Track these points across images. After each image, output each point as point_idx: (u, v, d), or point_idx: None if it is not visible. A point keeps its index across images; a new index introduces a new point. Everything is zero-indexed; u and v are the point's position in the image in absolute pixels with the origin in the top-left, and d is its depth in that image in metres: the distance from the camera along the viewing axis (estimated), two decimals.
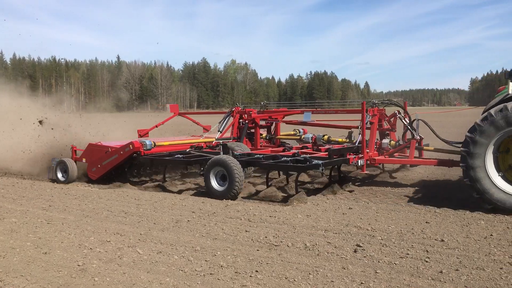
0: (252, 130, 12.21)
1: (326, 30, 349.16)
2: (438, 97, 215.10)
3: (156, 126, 13.05)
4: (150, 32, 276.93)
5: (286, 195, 8.83)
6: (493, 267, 4.75)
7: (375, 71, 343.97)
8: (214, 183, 8.85)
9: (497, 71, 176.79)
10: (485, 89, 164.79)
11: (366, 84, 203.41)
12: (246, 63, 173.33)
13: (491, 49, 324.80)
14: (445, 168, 10.22)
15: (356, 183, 10.26)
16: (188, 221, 7.02)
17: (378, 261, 5.02)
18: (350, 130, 11.15)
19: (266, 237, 6.05)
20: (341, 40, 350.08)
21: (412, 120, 10.17)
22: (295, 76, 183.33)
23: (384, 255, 5.24)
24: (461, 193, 8.76)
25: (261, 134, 12.48)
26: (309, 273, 4.71)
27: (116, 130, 15.43)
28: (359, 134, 10.00)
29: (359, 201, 8.38)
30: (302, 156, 9.07)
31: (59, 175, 11.09)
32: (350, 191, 9.35)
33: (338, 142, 11.30)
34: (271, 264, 5.02)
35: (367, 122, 9.77)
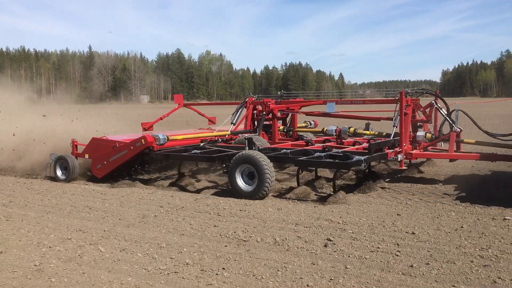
0: (268, 122, 11.45)
1: (301, 21, 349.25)
2: (411, 88, 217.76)
3: (161, 119, 12.28)
4: (122, 22, 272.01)
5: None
6: (463, 260, 4.68)
7: (350, 63, 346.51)
8: (240, 182, 7.96)
9: (467, 63, 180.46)
10: (456, 80, 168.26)
11: (341, 76, 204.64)
12: (221, 54, 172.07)
13: (462, 41, 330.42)
14: (477, 162, 9.82)
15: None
16: (155, 216, 6.78)
17: (349, 256, 4.91)
18: (367, 122, 10.57)
19: (235, 232, 5.87)
20: (316, 31, 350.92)
21: (451, 110, 9.35)
22: (270, 68, 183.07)
23: (355, 249, 5.13)
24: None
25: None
26: (278, 270, 4.55)
27: (106, 123, 14.51)
28: (394, 126, 9.26)
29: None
30: (341, 151, 8.26)
31: (59, 172, 10.04)
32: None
33: (366, 135, 10.56)
34: (238, 260, 4.84)
35: (404, 114, 8.95)
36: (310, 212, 6.85)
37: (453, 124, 9.09)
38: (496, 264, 4.54)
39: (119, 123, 15.06)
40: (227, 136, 10.61)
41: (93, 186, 9.34)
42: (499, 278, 4.18)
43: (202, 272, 4.54)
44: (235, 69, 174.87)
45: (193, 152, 9.07)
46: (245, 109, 11.38)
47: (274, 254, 5.04)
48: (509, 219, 6.19)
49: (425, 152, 9.34)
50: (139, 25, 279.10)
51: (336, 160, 7.88)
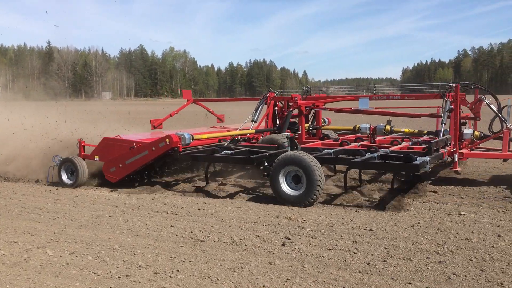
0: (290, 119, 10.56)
1: (266, 18, 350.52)
2: (372, 86, 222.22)
3: (171, 116, 11.48)
4: (83, 17, 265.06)
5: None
6: (419, 256, 4.69)
7: (313, 60, 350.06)
8: (285, 186, 7.14)
9: (426, 61, 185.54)
10: (416, 78, 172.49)
11: (305, 73, 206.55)
12: (185, 51, 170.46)
13: (422, 40, 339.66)
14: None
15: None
16: (110, 216, 6.53)
17: (306, 254, 4.84)
18: (388, 119, 9.86)
19: (192, 232, 5.71)
20: (280, 28, 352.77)
21: (502, 106, 8.72)
22: (235, 65, 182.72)
23: (313, 247, 5.06)
24: None
25: (295, 124, 10.83)
26: (234, 271, 4.43)
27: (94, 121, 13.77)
28: (443, 123, 8.61)
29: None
30: (402, 151, 7.59)
31: (64, 177, 8.95)
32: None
33: (404, 134, 9.94)
34: (194, 262, 4.69)
35: (449, 109, 8.43)
36: (269, 210, 6.76)
37: (505, 121, 8.49)
38: (451, 260, 4.57)
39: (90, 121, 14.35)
40: (248, 134, 9.86)
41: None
42: (454, 274, 4.19)
43: (155, 275, 4.37)
44: (200, 65, 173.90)
45: (223, 153, 8.26)
46: (265, 106, 10.66)
47: (231, 254, 4.92)
48: (464, 215, 6.29)
49: (477, 152, 8.78)
50: (100, 20, 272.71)
51: (401, 162, 7.06)
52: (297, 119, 10.74)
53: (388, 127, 9.78)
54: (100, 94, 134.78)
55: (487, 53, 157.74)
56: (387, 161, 7.24)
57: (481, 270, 4.27)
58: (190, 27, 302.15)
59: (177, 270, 4.45)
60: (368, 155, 7.42)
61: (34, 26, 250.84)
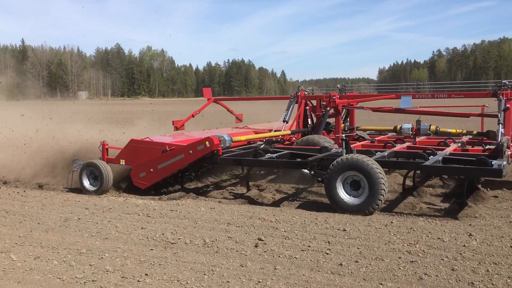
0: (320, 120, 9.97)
1: (244, 18, 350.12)
2: (349, 86, 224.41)
3: (193, 116, 10.84)
4: (58, 15, 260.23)
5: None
6: (392, 256, 4.67)
7: (291, 60, 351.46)
8: (343, 194, 6.55)
9: (402, 62, 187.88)
10: (392, 78, 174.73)
11: (283, 73, 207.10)
12: (162, 50, 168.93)
13: (397, 41, 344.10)
14: None
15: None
16: (79, 219, 6.35)
17: (279, 256, 4.77)
18: (418, 119, 9.32)
19: (163, 234, 5.58)
20: (258, 28, 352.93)
21: None
22: (213, 64, 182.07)
23: (286, 248, 5.00)
24: None
25: (328, 124, 10.22)
26: (204, 274, 4.33)
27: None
28: (500, 124, 8.06)
29: None
30: (472, 155, 7.06)
31: (86, 183, 8.18)
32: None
33: (450, 134, 9.31)
34: (164, 265, 4.57)
35: (505, 108, 7.84)
36: (243, 211, 6.67)
37: None
38: (423, 259, 4.56)
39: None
40: (284, 136, 9.30)
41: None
42: (425, 274, 4.18)
43: (123, 280, 4.24)
44: (177, 65, 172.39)
45: (267, 156, 7.60)
46: (296, 105, 10.15)
47: (202, 256, 4.81)
48: (437, 214, 6.31)
49: None
50: (76, 18, 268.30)
51: (480, 167, 6.38)
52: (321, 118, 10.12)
53: (433, 127, 9.20)
54: (76, 93, 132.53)
55: (461, 53, 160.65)
56: (463, 166, 6.55)
57: (452, 270, 4.26)
58: (168, 27, 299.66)
59: (146, 274, 4.33)
60: (433, 158, 6.86)
61: (7, 24, 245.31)
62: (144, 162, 7.87)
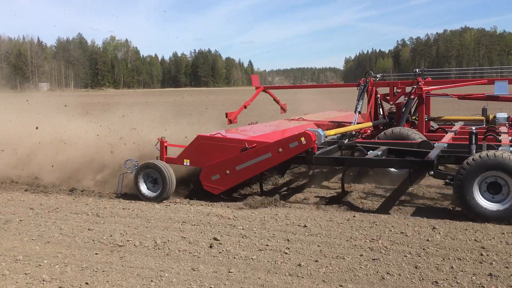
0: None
1: (210, 7, 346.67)
2: (316, 76, 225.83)
3: (245, 107, 9.65)
4: (17, 4, 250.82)
5: None
6: (353, 254, 4.42)
7: (258, 50, 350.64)
8: (480, 199, 5.51)
9: (368, 51, 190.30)
10: (358, 67, 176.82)
11: (250, 63, 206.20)
12: (127, 40, 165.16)
13: (363, 30, 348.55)
14: None
15: None
16: (21, 220, 5.86)
17: (234, 257, 4.45)
18: (484, 106, 8.36)
19: (111, 235, 5.17)
20: (225, 18, 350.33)
21: None
22: (179, 54, 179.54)
23: (242, 248, 4.68)
24: None
25: (410, 115, 9.10)
26: (152, 280, 3.97)
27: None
28: None
29: None
30: None
31: (144, 187, 6.92)
32: None
33: None
34: (107, 271, 4.18)
35: None
36: (200, 207, 6.33)
37: None
38: (385, 256, 4.33)
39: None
40: (362, 129, 8.29)
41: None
42: (387, 273, 3.94)
43: None
44: (143, 55, 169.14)
45: (370, 154, 6.51)
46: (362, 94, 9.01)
47: (151, 260, 4.44)
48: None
49: None
50: (36, 7, 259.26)
51: None
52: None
53: None
54: (37, 85, 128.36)
55: (424, 43, 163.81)
56: None
57: (416, 268, 4.04)
58: (132, 16, 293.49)
59: (86, 283, 3.93)
60: None
61: None
62: (217, 162, 6.67)
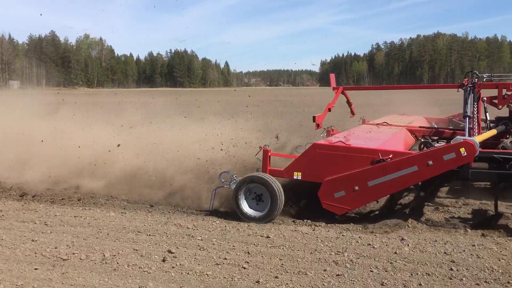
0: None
1: (187, 7, 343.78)
2: (293, 78, 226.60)
3: (329, 110, 7.96)
4: None
5: None
6: (316, 269, 4.11)
7: (235, 51, 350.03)
8: None
9: (343, 54, 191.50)
10: (333, 70, 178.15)
11: (226, 64, 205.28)
12: (101, 39, 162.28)
13: (338, 34, 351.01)
14: None
15: None
16: None
17: (188, 273, 4.08)
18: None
19: (56, 248, 4.74)
20: (202, 18, 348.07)
21: None
22: (155, 54, 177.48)
23: (198, 262, 4.32)
24: None
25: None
26: None
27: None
28: None
29: None
30: None
31: (245, 205, 5.82)
32: None
33: None
34: None
35: None
36: (158, 215, 5.93)
37: None
38: (350, 272, 4.03)
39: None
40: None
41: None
42: None
43: None
44: (118, 54, 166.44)
45: None
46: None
47: (96, 276, 4.04)
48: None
49: None
50: (7, 3, 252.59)
51: None
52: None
53: None
54: (7, 83, 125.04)
55: (398, 47, 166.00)
56: None
57: (382, 285, 3.76)
58: (107, 14, 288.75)
59: None
60: None
61: None
62: (342, 176, 5.57)
